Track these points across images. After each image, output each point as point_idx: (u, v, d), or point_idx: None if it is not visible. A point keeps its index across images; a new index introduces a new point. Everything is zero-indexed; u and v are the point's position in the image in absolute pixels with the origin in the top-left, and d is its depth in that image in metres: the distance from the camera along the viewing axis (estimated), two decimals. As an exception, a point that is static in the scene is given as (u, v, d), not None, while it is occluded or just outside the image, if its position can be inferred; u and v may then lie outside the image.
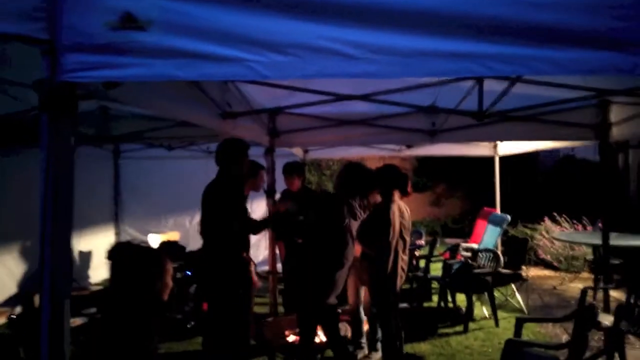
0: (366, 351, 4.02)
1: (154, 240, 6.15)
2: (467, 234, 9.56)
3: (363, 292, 3.97)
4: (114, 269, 1.95)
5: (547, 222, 8.51)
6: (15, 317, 4.69)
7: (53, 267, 1.29)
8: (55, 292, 1.31)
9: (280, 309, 4.74)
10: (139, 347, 1.96)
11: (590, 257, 7.02)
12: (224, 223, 3.04)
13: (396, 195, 3.51)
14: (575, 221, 8.26)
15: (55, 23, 1.32)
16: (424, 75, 1.37)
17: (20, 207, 5.16)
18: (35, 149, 4.19)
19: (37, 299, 4.93)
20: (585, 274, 7.14)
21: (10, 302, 5.10)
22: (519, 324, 3.42)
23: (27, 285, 5.37)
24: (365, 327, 4.06)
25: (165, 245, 5.74)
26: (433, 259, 5.91)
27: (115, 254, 1.95)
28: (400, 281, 3.50)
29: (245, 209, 3.31)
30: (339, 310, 3.29)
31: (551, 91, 3.33)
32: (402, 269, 3.48)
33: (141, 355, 1.96)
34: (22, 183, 5.17)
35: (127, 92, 1.65)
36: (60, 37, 1.32)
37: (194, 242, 6.71)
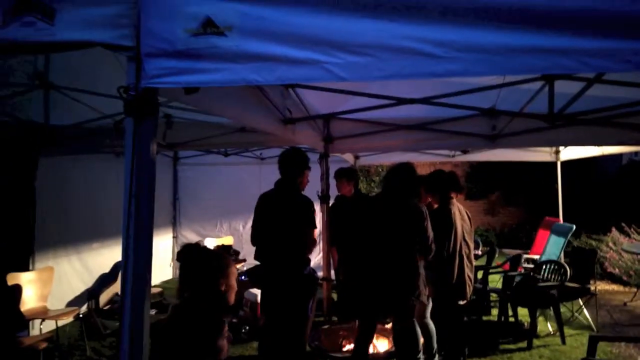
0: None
1: (210, 244, 6.30)
2: (524, 244, 9.14)
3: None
4: (182, 268, 2.02)
5: (615, 232, 7.97)
6: (82, 315, 4.94)
7: (135, 267, 1.32)
8: (136, 290, 1.34)
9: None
10: (206, 345, 2.00)
11: (665, 271, 6.51)
12: (312, 232, 3.12)
13: (454, 198, 3.42)
14: (646, 232, 7.69)
15: (139, 30, 1.36)
16: (511, 73, 1.30)
17: (88, 210, 5.47)
18: (102, 154, 4.39)
19: (102, 299, 5.17)
20: (659, 290, 6.61)
21: (77, 301, 5.37)
22: (593, 342, 3.17)
23: (94, 286, 5.65)
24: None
25: (220, 249, 5.86)
26: (491, 270, 5.66)
27: (184, 254, 2.02)
28: (469, 290, 3.35)
29: None
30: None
31: (621, 92, 3.10)
32: (469, 277, 3.32)
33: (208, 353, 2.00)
34: (89, 187, 5.48)
35: (202, 98, 1.68)
36: (144, 43, 1.36)
37: (248, 247, 6.84)
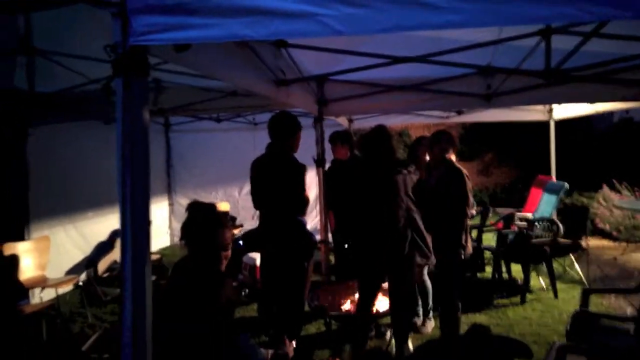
0: (421, 320, 3.99)
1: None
2: (517, 203, 9.24)
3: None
4: (186, 222, 2.18)
5: (606, 189, 8.08)
6: (81, 283, 4.99)
7: (133, 231, 1.31)
8: (136, 252, 1.33)
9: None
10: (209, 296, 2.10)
11: (655, 226, 6.64)
12: (303, 193, 3.14)
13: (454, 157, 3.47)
14: (637, 188, 7.79)
15: (124, -16, 1.29)
16: (513, 24, 1.25)
17: (81, 179, 5.42)
18: (93, 121, 4.28)
19: (101, 267, 5.19)
20: (648, 244, 6.77)
21: (76, 269, 5.40)
22: (586, 295, 3.27)
23: (92, 254, 5.68)
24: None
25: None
26: (484, 229, 5.75)
27: (192, 208, 2.21)
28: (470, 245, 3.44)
29: None
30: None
31: (616, 47, 3.05)
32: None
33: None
34: (81, 155, 5.41)
35: (193, 58, 1.62)
36: (130, -2, 1.29)
37: (244, 213, 6.87)
